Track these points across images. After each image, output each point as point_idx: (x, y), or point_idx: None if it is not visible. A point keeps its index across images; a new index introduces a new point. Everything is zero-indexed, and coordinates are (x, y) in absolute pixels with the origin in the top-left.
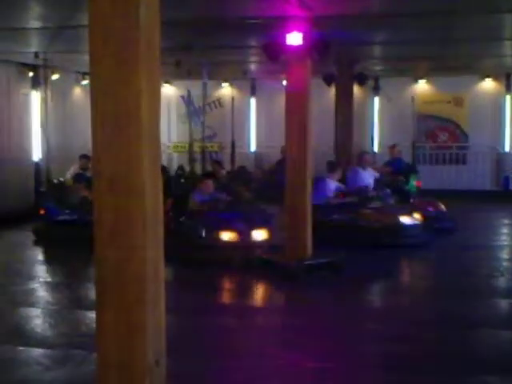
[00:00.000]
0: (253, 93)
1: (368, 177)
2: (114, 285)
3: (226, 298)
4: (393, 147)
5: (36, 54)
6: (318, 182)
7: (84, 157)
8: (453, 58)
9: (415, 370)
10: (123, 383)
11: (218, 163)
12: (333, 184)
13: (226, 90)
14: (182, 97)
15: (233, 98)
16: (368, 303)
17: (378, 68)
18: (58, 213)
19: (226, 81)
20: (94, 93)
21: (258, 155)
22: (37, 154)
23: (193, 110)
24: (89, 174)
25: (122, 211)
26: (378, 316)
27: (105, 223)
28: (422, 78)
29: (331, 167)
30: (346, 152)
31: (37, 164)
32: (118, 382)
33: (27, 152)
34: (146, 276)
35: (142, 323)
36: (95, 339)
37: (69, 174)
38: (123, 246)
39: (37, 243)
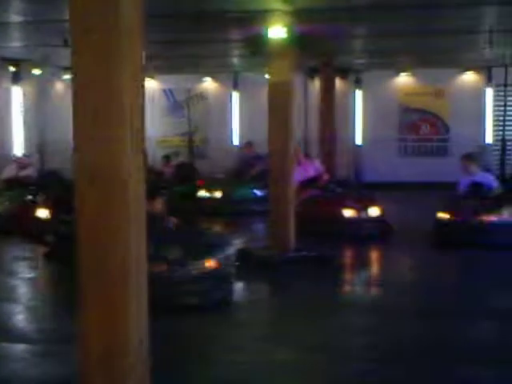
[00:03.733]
0: (235, 86)
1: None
2: (97, 272)
3: None
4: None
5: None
6: None
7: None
8: (434, 52)
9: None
10: (107, 362)
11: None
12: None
13: (208, 84)
14: (164, 91)
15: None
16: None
17: (360, 61)
18: None
19: (208, 75)
20: (76, 87)
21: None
22: (18, 149)
23: (175, 104)
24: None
25: (104, 203)
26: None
27: (87, 214)
28: (403, 71)
29: None
30: (329, 145)
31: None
32: (102, 360)
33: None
34: (130, 261)
35: (125, 304)
36: (79, 323)
37: (4, 175)
38: (106, 236)
39: None
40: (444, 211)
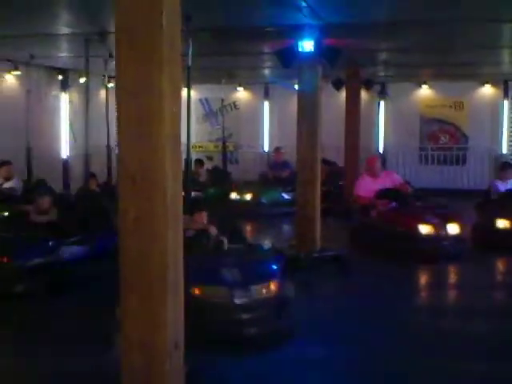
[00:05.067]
0: (266, 96)
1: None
2: (138, 272)
3: None
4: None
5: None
6: None
7: (4, 164)
8: (454, 65)
9: None
10: (145, 364)
11: (200, 162)
12: None
13: (241, 94)
14: (200, 100)
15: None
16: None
17: (384, 73)
18: None
19: (241, 85)
20: (119, 95)
21: (271, 155)
22: (65, 153)
23: (210, 112)
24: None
25: (145, 206)
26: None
27: (128, 217)
28: (425, 83)
29: None
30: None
31: (65, 162)
32: (142, 362)
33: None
34: (167, 264)
35: (163, 309)
36: (121, 322)
37: None
38: (146, 236)
39: None
40: (504, 218)
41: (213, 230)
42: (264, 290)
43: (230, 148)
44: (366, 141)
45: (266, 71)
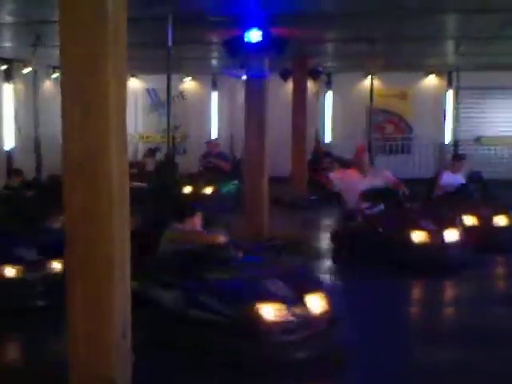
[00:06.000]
0: (214, 87)
1: None
2: (84, 263)
3: None
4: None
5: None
6: None
7: None
8: (399, 56)
9: None
10: (92, 354)
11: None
12: None
13: (188, 84)
14: (147, 90)
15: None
16: None
17: (330, 64)
18: None
19: (188, 75)
20: (64, 84)
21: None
22: (9, 144)
23: (157, 102)
24: None
25: (90, 194)
26: None
27: (73, 208)
28: (371, 73)
29: None
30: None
31: (9, 153)
32: (87, 352)
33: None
34: (114, 253)
35: (110, 299)
36: (67, 312)
37: None
38: (92, 225)
39: None
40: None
41: (222, 240)
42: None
43: (178, 139)
44: (312, 132)
45: (214, 61)
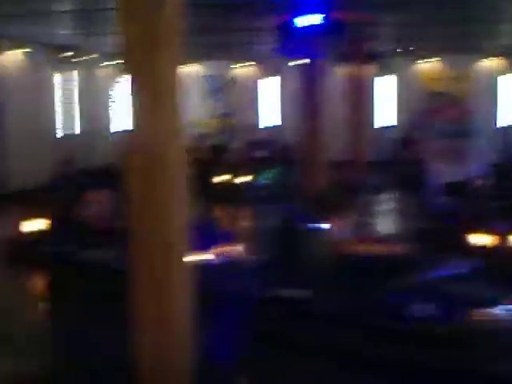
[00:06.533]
0: (269, 72)
1: None
2: (145, 246)
3: None
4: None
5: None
6: None
7: None
8: (459, 38)
9: None
10: (157, 337)
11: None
12: None
13: (242, 70)
14: (205, 76)
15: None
16: None
17: (387, 47)
18: None
19: (242, 61)
20: (128, 72)
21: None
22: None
23: (214, 88)
24: None
25: (150, 180)
26: None
27: (135, 190)
28: (427, 57)
29: None
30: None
31: (66, 139)
32: (153, 335)
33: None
34: (173, 238)
35: (171, 283)
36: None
37: None
38: (152, 210)
39: None
40: None
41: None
42: None
43: (233, 125)
44: (369, 116)
45: (268, 46)
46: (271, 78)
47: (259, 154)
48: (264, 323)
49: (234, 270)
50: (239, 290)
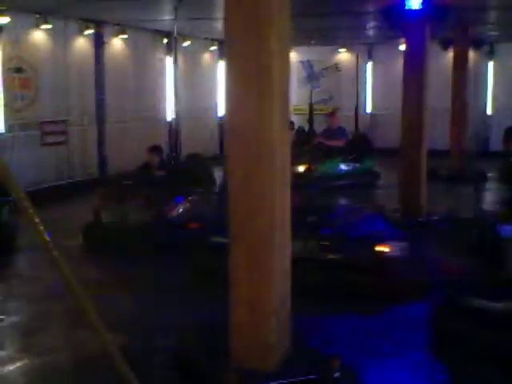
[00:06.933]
0: (369, 57)
1: None
2: (246, 227)
3: None
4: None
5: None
6: None
7: None
8: None
9: None
10: (252, 318)
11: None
12: None
13: (343, 56)
14: (302, 62)
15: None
16: None
17: (493, 33)
18: None
19: (343, 46)
20: (228, 54)
21: (373, 117)
22: (170, 115)
23: (311, 74)
24: None
25: (253, 161)
26: None
27: (237, 172)
28: None
29: None
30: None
31: (170, 124)
32: (249, 318)
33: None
34: (275, 222)
35: (270, 267)
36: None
37: None
38: (254, 193)
39: None
40: None
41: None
42: None
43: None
44: (474, 102)
45: (370, 31)
46: (374, 63)
47: (333, 143)
48: None
49: None
50: None
